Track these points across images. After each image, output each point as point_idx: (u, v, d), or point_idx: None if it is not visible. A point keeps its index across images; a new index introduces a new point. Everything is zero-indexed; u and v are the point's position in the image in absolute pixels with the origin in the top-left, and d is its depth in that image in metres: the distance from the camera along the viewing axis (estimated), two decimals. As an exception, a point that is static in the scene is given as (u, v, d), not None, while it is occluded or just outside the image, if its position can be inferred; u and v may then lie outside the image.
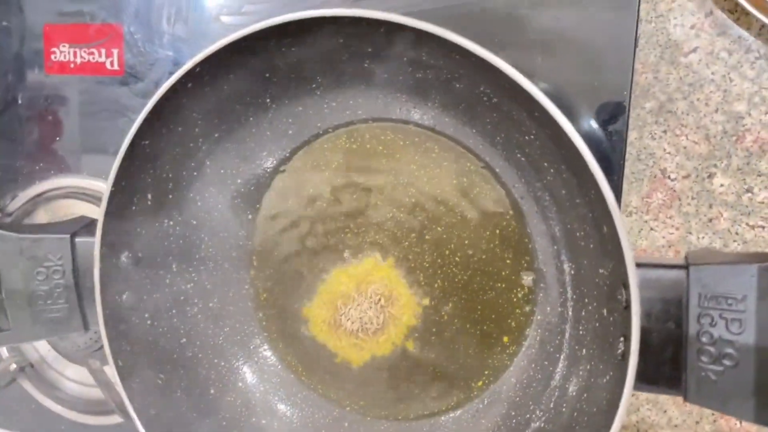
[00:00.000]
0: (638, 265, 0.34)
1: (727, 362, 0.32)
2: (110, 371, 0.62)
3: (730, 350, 0.32)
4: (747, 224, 0.56)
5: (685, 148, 0.56)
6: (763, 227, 0.55)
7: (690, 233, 0.57)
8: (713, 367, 0.33)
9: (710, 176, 0.56)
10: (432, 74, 0.42)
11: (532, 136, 0.41)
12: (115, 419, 0.64)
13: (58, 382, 0.68)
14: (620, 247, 0.33)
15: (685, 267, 0.34)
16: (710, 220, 0.57)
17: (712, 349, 0.33)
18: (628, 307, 0.34)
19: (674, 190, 0.57)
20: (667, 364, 0.34)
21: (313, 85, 0.46)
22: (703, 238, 0.57)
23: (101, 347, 0.63)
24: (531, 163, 0.43)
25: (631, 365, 0.33)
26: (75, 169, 0.65)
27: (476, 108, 0.43)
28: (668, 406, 0.60)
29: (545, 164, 0.41)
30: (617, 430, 0.34)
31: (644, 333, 0.34)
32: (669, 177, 0.57)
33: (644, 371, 0.34)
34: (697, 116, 0.56)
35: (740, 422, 0.58)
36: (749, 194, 0.55)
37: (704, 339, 0.33)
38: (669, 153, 0.57)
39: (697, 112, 0.56)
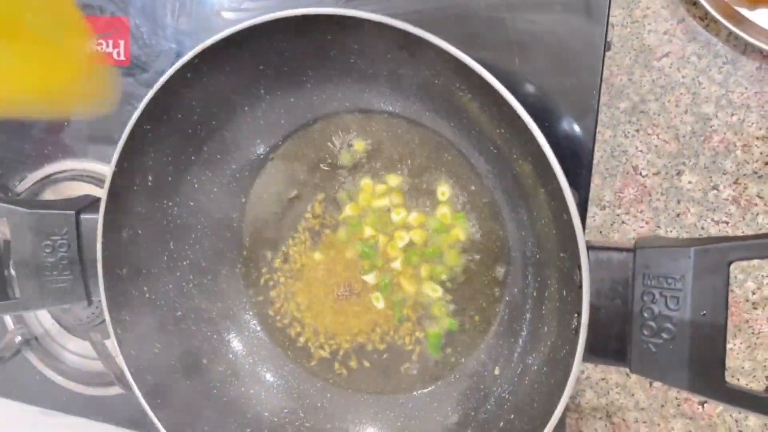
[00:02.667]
0: (590, 248, 0.38)
1: (665, 336, 0.36)
2: (111, 345, 0.66)
3: (668, 325, 0.36)
4: (712, 219, 0.59)
5: (656, 146, 0.60)
6: (727, 222, 0.59)
7: (659, 227, 0.61)
8: (654, 340, 0.36)
9: (679, 173, 0.60)
10: (412, 71, 0.46)
11: (502, 130, 0.44)
12: (115, 390, 0.68)
13: (61, 354, 0.72)
14: (574, 232, 0.37)
15: (632, 250, 0.37)
16: (678, 215, 0.60)
17: (653, 323, 0.36)
18: (581, 286, 0.38)
19: (645, 186, 0.61)
20: (614, 338, 0.38)
21: (304, 78, 0.50)
22: (671, 231, 0.61)
23: (103, 321, 0.67)
24: (502, 155, 0.46)
25: (581, 338, 0.37)
26: (81, 153, 0.69)
27: (452, 102, 0.46)
28: (636, 390, 0.63)
29: (514, 156, 0.45)
30: (567, 397, 0.38)
31: (594, 310, 0.37)
32: (640, 173, 0.61)
33: (594, 344, 0.38)
34: (667, 117, 0.59)
35: (702, 406, 0.61)
36: (715, 191, 0.59)
37: (646, 315, 0.36)
38: (641, 151, 0.60)
39: (667, 112, 0.59)
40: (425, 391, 0.52)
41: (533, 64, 0.52)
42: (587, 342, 0.37)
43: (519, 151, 0.44)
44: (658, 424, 0.63)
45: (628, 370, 0.38)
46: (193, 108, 0.49)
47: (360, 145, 0.52)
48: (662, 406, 0.62)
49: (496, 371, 0.49)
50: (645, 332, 0.37)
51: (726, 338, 0.35)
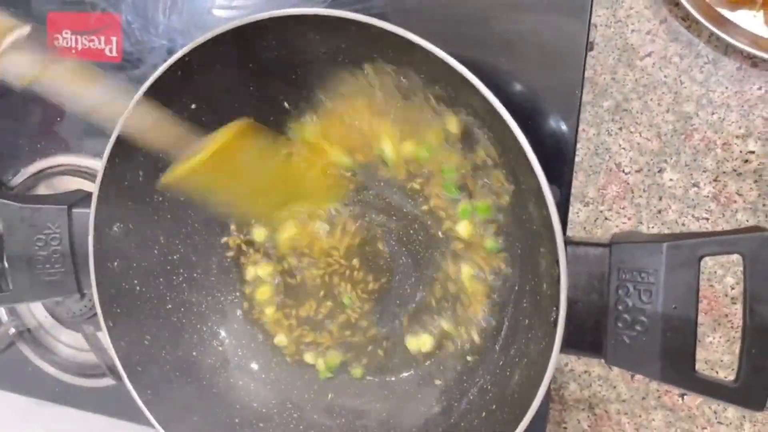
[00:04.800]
0: (568, 243, 0.39)
1: (639, 328, 0.37)
2: (103, 336, 0.67)
3: (641, 317, 0.37)
4: (693, 216, 0.61)
5: (638, 144, 0.61)
6: (707, 219, 0.60)
7: (641, 223, 0.62)
8: (628, 332, 0.37)
9: (661, 171, 0.61)
10: (395, 68, 0.47)
11: (486, 129, 0.45)
12: (107, 381, 0.69)
13: (54, 346, 0.73)
14: (552, 227, 0.38)
15: (608, 245, 0.39)
16: (659, 212, 0.61)
17: (627, 316, 0.37)
18: (559, 280, 0.39)
19: (628, 183, 0.62)
20: (590, 331, 0.39)
21: (293, 76, 0.50)
22: (652, 228, 0.62)
23: (95, 314, 0.68)
24: (486, 155, 0.47)
25: (558, 331, 0.38)
26: (74, 148, 0.69)
27: (438, 105, 0.47)
28: (617, 383, 0.65)
29: (496, 154, 0.46)
30: (545, 387, 0.39)
31: (571, 303, 0.39)
32: (623, 171, 0.62)
33: (571, 336, 0.39)
34: (650, 115, 0.61)
35: (682, 398, 0.63)
36: (695, 188, 0.60)
37: (621, 308, 0.38)
38: (624, 148, 0.62)
39: (650, 111, 0.60)
40: (411, 382, 0.54)
41: (518, 63, 0.53)
42: (565, 334, 0.38)
43: (501, 149, 0.45)
44: (639, 416, 0.64)
45: (603, 361, 0.39)
46: (185, 104, 0.49)
47: None
48: (643, 398, 0.64)
49: (478, 362, 0.50)
50: (620, 325, 0.38)
51: (696, 331, 0.36)
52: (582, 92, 0.51)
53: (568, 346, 0.39)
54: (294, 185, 0.53)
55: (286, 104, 0.53)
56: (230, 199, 0.49)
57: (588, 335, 0.39)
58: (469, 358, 0.51)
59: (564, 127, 0.52)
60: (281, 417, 0.54)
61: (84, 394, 0.71)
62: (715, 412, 0.62)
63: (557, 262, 0.39)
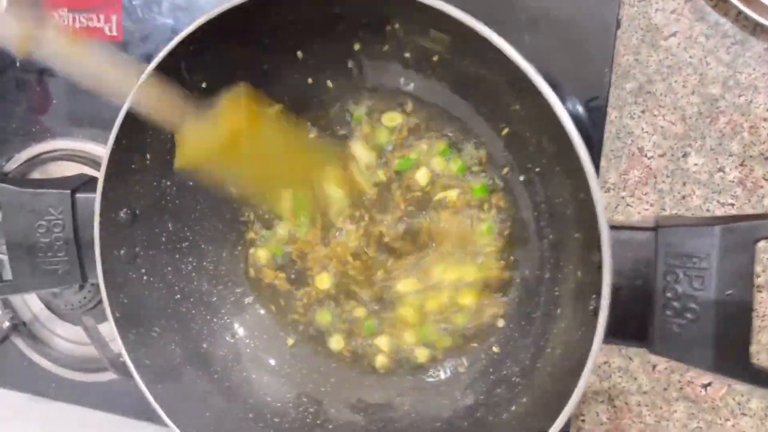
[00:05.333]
0: (611, 227, 0.37)
1: (689, 316, 0.35)
2: (104, 329, 0.64)
3: (692, 305, 0.35)
4: (718, 201, 0.59)
5: (662, 127, 0.59)
6: (733, 205, 0.58)
7: (664, 209, 0.60)
8: (677, 320, 0.35)
9: (685, 155, 0.59)
10: (422, 47, 0.44)
11: (517, 107, 0.43)
12: (108, 376, 0.66)
13: (51, 340, 0.70)
14: (595, 210, 0.36)
15: (654, 229, 0.37)
16: (683, 197, 0.60)
17: (676, 303, 0.35)
18: (601, 266, 0.37)
19: (650, 168, 0.60)
20: (634, 319, 0.37)
21: (309, 54, 0.48)
22: (676, 214, 0.60)
23: (95, 306, 0.65)
24: (515, 134, 0.45)
25: (601, 319, 0.36)
26: (71, 132, 0.66)
27: (463, 79, 0.45)
28: (638, 374, 0.63)
29: (528, 134, 0.44)
30: (586, 379, 0.37)
31: (615, 290, 0.37)
32: (646, 155, 0.60)
33: (614, 325, 0.37)
34: (674, 98, 0.59)
35: (705, 389, 0.61)
36: (721, 173, 0.58)
37: (669, 294, 0.36)
38: (647, 132, 0.60)
39: (674, 93, 0.58)
40: (435, 374, 0.51)
41: (543, 43, 0.51)
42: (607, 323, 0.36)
43: (534, 128, 0.43)
44: (661, 407, 0.63)
45: (648, 351, 0.37)
46: (194, 83, 0.47)
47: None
48: (665, 389, 0.62)
49: (505, 354, 0.48)
50: (668, 312, 0.36)
51: (752, 318, 0.34)
52: (611, 72, 0.49)
53: (609, 335, 0.37)
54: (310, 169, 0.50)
55: (309, 80, 0.50)
56: (247, 178, 0.46)
57: (632, 323, 0.38)
58: (495, 348, 0.49)
59: (591, 110, 0.50)
60: (297, 411, 0.51)
61: (83, 390, 0.68)
62: (738, 404, 0.60)
63: (598, 247, 0.37)
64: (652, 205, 0.60)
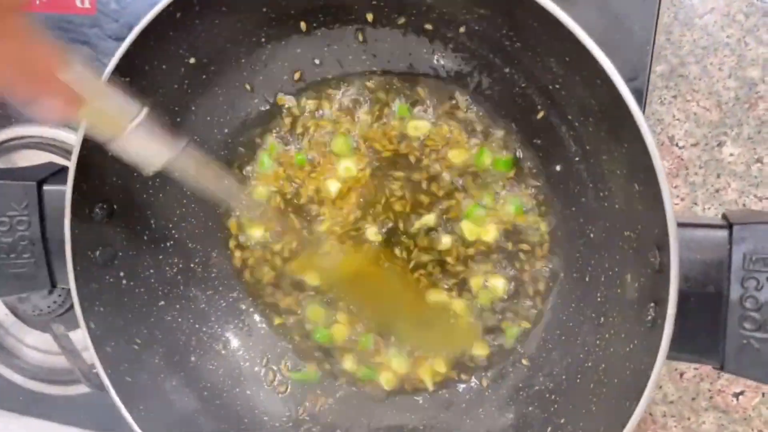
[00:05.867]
0: (678, 225, 0.32)
1: (773, 329, 0.30)
2: (76, 337, 0.58)
3: (777, 316, 0.30)
4: (755, 195, 0.54)
5: (695, 114, 0.54)
6: (772, 199, 0.54)
7: (696, 204, 0.55)
8: (757, 334, 0.30)
9: (720, 145, 0.54)
10: (448, 18, 0.39)
11: (558, 85, 0.37)
12: (81, 389, 0.59)
13: (17, 349, 0.63)
14: (661, 205, 0.30)
15: (728, 227, 0.31)
16: (717, 191, 0.55)
17: (756, 315, 0.30)
18: (662, 270, 0.32)
19: (681, 159, 0.55)
20: (704, 331, 0.32)
21: (314, 24, 0.42)
22: (708, 209, 0.55)
23: (66, 311, 0.58)
24: (554, 116, 0.40)
25: (666, 332, 0.31)
26: (37, 118, 0.59)
27: (498, 56, 0.39)
28: (663, 382, 0.58)
29: (569, 117, 0.38)
30: (648, 399, 0.32)
31: (681, 297, 0.31)
32: (677, 145, 0.55)
33: (678, 338, 0.32)
34: (709, 81, 0.54)
35: (737, 398, 0.57)
36: (759, 164, 0.54)
37: (748, 304, 0.30)
38: (678, 119, 0.55)
39: (709, 77, 0.54)
40: (453, 391, 0.46)
41: (580, 18, 0.45)
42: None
43: (579, 110, 0.37)
44: (688, 418, 0.58)
45: (720, 370, 0.32)
46: (181, 57, 0.41)
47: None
48: (693, 399, 0.58)
49: (539, 368, 0.43)
50: (746, 325, 0.31)
51: None
52: (654, 48, 0.44)
53: (672, 349, 0.32)
54: None
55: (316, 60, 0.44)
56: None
57: (700, 337, 0.32)
58: (524, 361, 0.44)
59: (631, 90, 0.45)
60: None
61: (54, 404, 0.62)
62: (773, 414, 0.56)
63: (659, 247, 0.32)
64: (683, 199, 0.56)
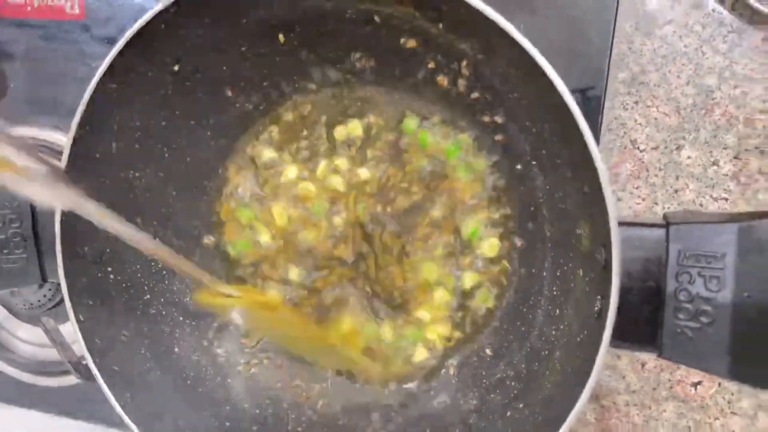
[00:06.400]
0: (619, 224, 0.35)
1: (703, 319, 0.33)
2: (66, 330, 0.60)
3: (707, 308, 0.33)
4: (711, 196, 0.57)
5: (655, 119, 0.57)
6: (726, 199, 0.57)
7: (656, 204, 0.58)
8: (690, 324, 0.33)
9: (678, 148, 0.57)
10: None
11: (516, 95, 0.40)
12: (71, 380, 0.62)
13: (9, 342, 0.65)
14: (604, 206, 0.33)
15: (665, 226, 0.34)
16: (676, 191, 0.58)
17: (689, 306, 0.33)
18: (607, 266, 0.35)
19: (643, 161, 0.58)
20: (644, 322, 0.35)
21: (291, 34, 0.44)
22: (668, 208, 0.58)
23: (56, 305, 0.61)
24: (514, 124, 0.43)
25: (608, 323, 0.34)
26: (29, 119, 0.62)
27: (460, 65, 0.42)
28: (627, 373, 0.61)
29: (527, 123, 0.41)
30: (592, 387, 0.34)
31: (622, 291, 0.34)
32: (638, 148, 0.58)
33: (621, 329, 0.34)
34: (668, 88, 0.57)
35: (695, 388, 0.60)
36: (715, 167, 0.57)
37: (682, 297, 0.33)
38: (639, 124, 0.58)
39: (668, 84, 0.57)
40: (422, 378, 0.49)
41: (539, 26, 0.48)
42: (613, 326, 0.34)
43: (535, 116, 0.40)
44: (649, 407, 0.61)
45: (658, 356, 0.35)
46: (167, 65, 0.43)
47: (355, 127, 0.47)
48: (654, 389, 0.61)
49: (501, 357, 0.46)
50: (680, 316, 0.34)
51: (772, 322, 0.32)
52: (611, 57, 0.47)
53: (616, 339, 0.35)
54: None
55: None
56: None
57: (640, 327, 0.35)
58: (488, 351, 0.47)
59: (589, 98, 0.48)
60: (276, 419, 0.48)
61: (45, 395, 0.64)
62: (729, 402, 0.59)
63: (604, 245, 0.35)
64: (643, 199, 0.59)
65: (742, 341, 0.32)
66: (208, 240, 0.52)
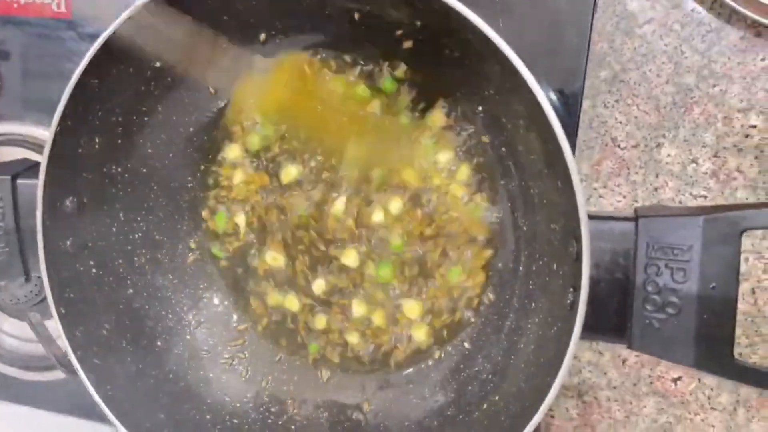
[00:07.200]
0: (590, 218, 0.35)
1: (670, 310, 0.34)
2: (52, 325, 0.61)
3: (673, 299, 0.33)
4: (690, 194, 0.58)
5: (635, 117, 0.58)
6: (705, 197, 0.57)
7: (636, 201, 0.59)
8: (657, 315, 0.34)
9: (658, 146, 0.58)
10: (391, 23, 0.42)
11: (492, 91, 0.41)
12: (56, 375, 0.62)
13: (-5, 337, 0.66)
14: (574, 200, 0.34)
15: (635, 219, 0.35)
16: (656, 189, 0.58)
17: (657, 297, 0.34)
18: (578, 258, 0.35)
19: (623, 159, 0.59)
20: (613, 313, 0.35)
21: (273, 32, 0.45)
22: (657, 203, 0.59)
23: (42, 300, 0.61)
24: (490, 119, 0.43)
25: (579, 314, 0.34)
26: (16, 116, 0.62)
27: (439, 61, 0.43)
28: (608, 369, 0.62)
29: (503, 120, 0.42)
30: (563, 377, 0.35)
31: (593, 283, 0.35)
32: (619, 146, 0.59)
33: (592, 320, 0.35)
34: (648, 87, 0.57)
35: (675, 384, 0.60)
36: (694, 165, 0.57)
37: (650, 288, 0.34)
38: (620, 122, 0.58)
39: (648, 82, 0.57)
40: (402, 372, 0.49)
41: (517, 26, 0.49)
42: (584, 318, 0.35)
43: (510, 113, 0.41)
44: (630, 403, 0.62)
45: (627, 347, 0.36)
46: (148, 61, 0.44)
47: None
48: (635, 384, 0.61)
49: (477, 349, 0.46)
50: (648, 307, 0.34)
51: (736, 313, 0.32)
52: (588, 58, 0.47)
53: (587, 330, 0.36)
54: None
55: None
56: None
57: (610, 319, 0.36)
58: (466, 344, 0.47)
59: (567, 96, 0.48)
60: (258, 412, 0.49)
61: (30, 389, 0.64)
62: (708, 398, 0.60)
63: (576, 238, 0.35)
64: (624, 196, 0.59)
65: (706, 332, 0.33)
66: (192, 235, 0.52)
